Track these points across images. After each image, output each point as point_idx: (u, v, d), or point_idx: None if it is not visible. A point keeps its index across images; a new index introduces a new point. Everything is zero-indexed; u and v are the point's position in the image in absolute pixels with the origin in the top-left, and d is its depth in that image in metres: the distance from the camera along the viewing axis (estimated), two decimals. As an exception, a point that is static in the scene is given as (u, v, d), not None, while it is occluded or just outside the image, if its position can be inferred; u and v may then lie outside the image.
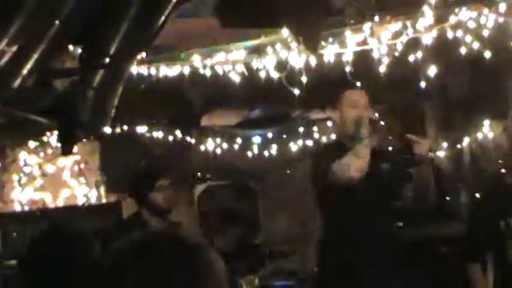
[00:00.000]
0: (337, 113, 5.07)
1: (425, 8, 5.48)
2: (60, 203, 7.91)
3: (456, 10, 5.49)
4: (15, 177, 7.77)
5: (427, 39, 5.60)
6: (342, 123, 5.03)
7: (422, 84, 6.18)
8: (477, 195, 6.19)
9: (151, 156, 7.82)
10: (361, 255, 4.85)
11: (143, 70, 5.96)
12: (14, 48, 4.45)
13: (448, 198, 7.75)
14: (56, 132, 7.07)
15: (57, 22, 4.34)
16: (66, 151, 6.81)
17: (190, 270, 1.77)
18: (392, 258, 4.90)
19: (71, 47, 5.20)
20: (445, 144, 7.71)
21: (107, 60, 4.77)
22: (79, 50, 5.02)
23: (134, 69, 5.88)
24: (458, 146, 7.45)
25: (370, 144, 4.77)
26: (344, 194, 4.70)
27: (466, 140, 7.32)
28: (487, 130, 6.82)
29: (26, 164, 7.84)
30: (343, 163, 4.64)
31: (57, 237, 4.66)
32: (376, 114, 8.33)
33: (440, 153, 7.72)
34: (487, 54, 5.65)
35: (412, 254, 6.13)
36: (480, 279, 5.13)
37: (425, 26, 5.54)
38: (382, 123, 5.05)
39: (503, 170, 5.38)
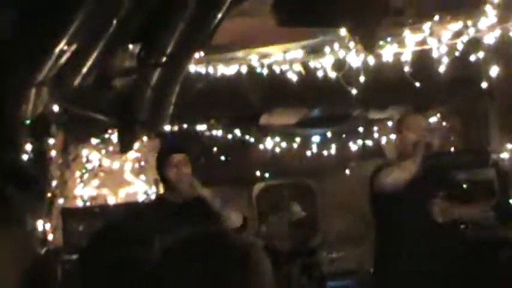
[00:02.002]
0: (398, 136, 5.07)
1: (488, 7, 5.36)
2: (120, 199, 8.00)
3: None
4: (77, 173, 7.89)
5: (489, 39, 5.48)
6: (402, 145, 5.03)
7: (485, 84, 6.05)
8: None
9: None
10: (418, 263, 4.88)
11: (201, 69, 5.99)
12: (74, 47, 4.52)
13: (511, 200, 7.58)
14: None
15: (115, 21, 4.39)
16: (125, 149, 6.93)
17: (237, 269, 1.77)
18: (452, 259, 4.89)
19: (130, 46, 5.25)
20: (509, 146, 7.55)
21: (164, 59, 4.81)
22: (137, 49, 5.08)
23: (192, 68, 5.91)
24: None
25: (418, 163, 4.78)
26: (392, 202, 4.76)
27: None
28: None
29: (88, 161, 7.95)
30: (384, 172, 4.72)
31: (115, 234, 4.70)
32: (438, 115, 8.26)
33: (504, 155, 7.56)
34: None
35: (475, 257, 6.02)
36: None
37: (487, 26, 5.42)
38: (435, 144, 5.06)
39: None
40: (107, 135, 7.70)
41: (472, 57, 5.77)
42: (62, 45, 4.53)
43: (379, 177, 4.81)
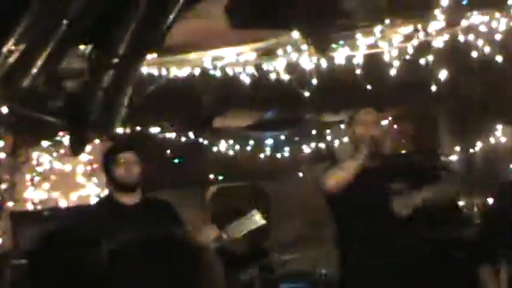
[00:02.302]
0: (349, 131, 5.09)
1: (437, 12, 5.44)
2: (72, 202, 7.91)
3: (468, 14, 5.45)
4: (27, 176, 7.78)
5: (439, 42, 5.56)
6: (352, 139, 5.08)
7: (434, 88, 6.14)
8: (490, 199, 6.14)
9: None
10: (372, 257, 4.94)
11: (153, 71, 5.96)
12: (22, 47, 4.45)
13: (460, 202, 7.70)
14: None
15: (64, 22, 4.34)
16: (76, 151, 6.86)
17: (188, 270, 1.77)
18: (407, 260, 4.97)
19: (81, 47, 5.19)
20: (458, 148, 7.66)
21: (116, 60, 4.77)
22: (88, 51, 5.03)
23: (144, 70, 5.87)
24: (472, 150, 7.40)
25: (361, 161, 4.83)
26: (342, 200, 4.82)
27: (479, 145, 7.27)
28: (499, 135, 6.77)
29: (38, 164, 7.85)
30: (326, 173, 4.79)
31: (64, 237, 4.64)
32: (390, 118, 8.35)
33: (454, 157, 7.68)
34: (499, 59, 5.62)
35: (425, 257, 6.10)
36: (493, 283, 5.09)
37: (436, 30, 5.50)
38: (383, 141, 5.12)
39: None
40: (58, 138, 7.60)
41: (422, 61, 5.85)
42: (10, 44, 4.47)
43: (322, 179, 4.86)
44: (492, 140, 6.90)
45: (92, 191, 8.06)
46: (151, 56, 5.55)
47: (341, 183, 4.77)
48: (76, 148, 6.85)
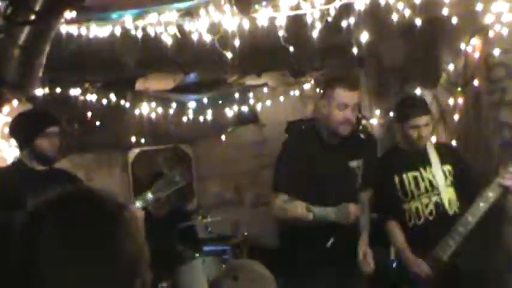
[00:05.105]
0: (325, 107, 4.81)
1: (361, -27, 5.46)
2: (-10, 165, 7.72)
3: (389, -24, 5.50)
4: None
5: (360, 4, 5.60)
6: (327, 120, 4.84)
7: (355, 50, 6.19)
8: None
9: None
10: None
11: (73, 30, 5.81)
12: None
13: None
14: (-16, 93, 6.89)
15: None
16: (-8, 112, 6.67)
17: (108, 230, 1.74)
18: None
19: (-4, 3, 5.02)
20: (378, 112, 7.77)
21: (33, 17, 4.63)
22: (3, 6, 4.85)
23: (64, 28, 5.72)
24: (391, 113, 7.51)
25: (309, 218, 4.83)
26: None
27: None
28: (418, 98, 6.87)
29: (-48, 125, 7.61)
30: (280, 207, 4.86)
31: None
32: (312, 82, 8.39)
33: (374, 121, 7.78)
34: (418, 22, 5.70)
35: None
36: (397, 233, 5.27)
37: (358, -8, 5.54)
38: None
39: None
40: (-26, 98, 7.38)
41: (344, 23, 5.89)
42: None
43: (275, 209, 4.92)
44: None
45: (10, 154, 7.86)
46: (70, 15, 5.40)
47: (284, 218, 4.93)
48: (-8, 109, 6.67)
